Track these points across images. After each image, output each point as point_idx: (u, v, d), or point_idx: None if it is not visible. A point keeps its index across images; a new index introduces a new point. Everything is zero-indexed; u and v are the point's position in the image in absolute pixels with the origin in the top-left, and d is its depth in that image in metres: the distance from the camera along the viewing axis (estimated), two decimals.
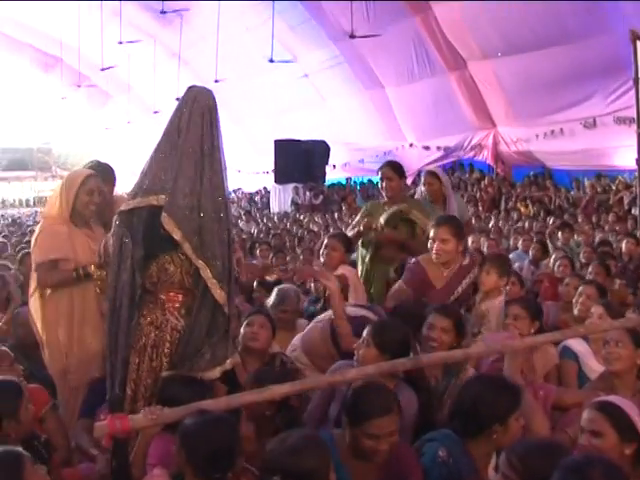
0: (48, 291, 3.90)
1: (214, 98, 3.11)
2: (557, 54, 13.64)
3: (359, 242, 5.08)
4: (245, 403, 2.74)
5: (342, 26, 17.32)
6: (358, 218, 5.20)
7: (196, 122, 2.99)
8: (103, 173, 4.35)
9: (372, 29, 16.75)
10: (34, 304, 3.96)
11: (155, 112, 23.72)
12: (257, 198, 24.13)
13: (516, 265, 7.28)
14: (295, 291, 5.01)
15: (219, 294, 2.97)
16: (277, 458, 2.20)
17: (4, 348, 3.84)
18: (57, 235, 3.86)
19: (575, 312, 4.68)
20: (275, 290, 4.90)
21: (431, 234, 4.16)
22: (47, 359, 3.95)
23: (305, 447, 2.19)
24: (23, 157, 37.33)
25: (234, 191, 26.65)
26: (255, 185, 25.20)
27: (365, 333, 3.21)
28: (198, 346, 2.99)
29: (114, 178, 4.57)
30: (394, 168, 5.17)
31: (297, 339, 4.19)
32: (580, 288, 4.76)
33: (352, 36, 16.50)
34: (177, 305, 3.07)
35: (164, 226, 2.88)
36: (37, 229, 4.02)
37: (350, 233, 5.04)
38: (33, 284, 3.96)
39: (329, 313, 3.99)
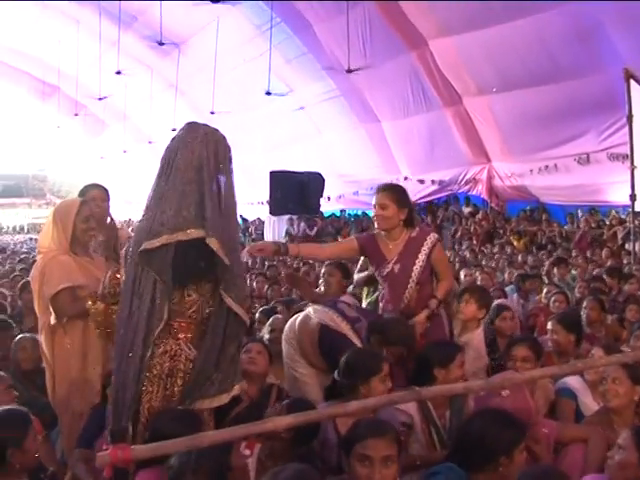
0: (62, 322, 3.88)
1: (225, 137, 3.18)
2: (551, 91, 13.85)
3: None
4: (248, 434, 2.75)
5: (338, 59, 17.58)
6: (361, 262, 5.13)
7: (210, 158, 3.04)
8: (99, 193, 4.53)
9: (368, 63, 17.02)
10: (45, 337, 3.96)
11: (150, 142, 23.89)
12: (251, 229, 24.18)
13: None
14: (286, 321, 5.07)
15: (243, 313, 3.08)
16: None
17: (1, 372, 3.85)
18: (65, 264, 3.88)
19: None
20: (269, 321, 4.96)
21: (372, 201, 4.25)
22: (52, 386, 3.97)
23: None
24: (18, 184, 37.48)
25: None
26: (250, 215, 25.25)
27: None
28: (209, 375, 3.06)
29: (109, 197, 4.66)
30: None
31: (290, 326, 4.24)
32: None
33: (349, 70, 16.75)
34: (189, 335, 3.11)
35: (215, 251, 2.92)
36: (39, 264, 3.99)
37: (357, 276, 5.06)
38: (43, 318, 3.95)
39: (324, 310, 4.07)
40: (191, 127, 3.14)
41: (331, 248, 4.64)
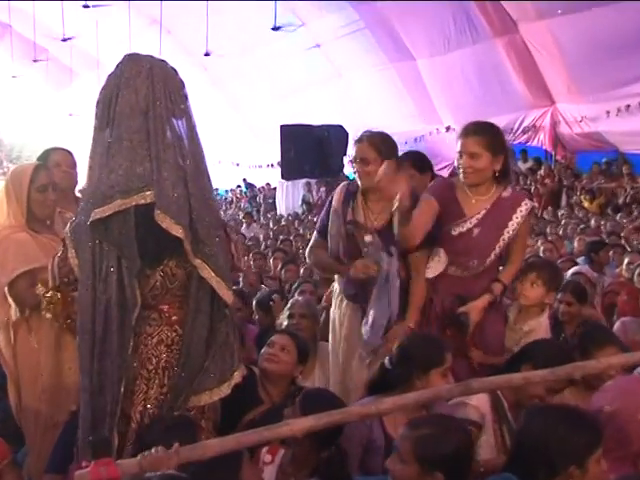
0: (25, 316, 3.90)
1: (176, 70, 3.17)
2: (631, 9, 13.61)
3: None
4: (258, 442, 2.77)
5: None
6: None
7: (160, 98, 3.03)
8: (64, 157, 4.54)
9: None
10: (4, 336, 3.98)
11: None
12: (260, 197, 24.24)
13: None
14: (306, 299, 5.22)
15: (226, 293, 3.06)
16: None
17: None
18: (22, 244, 3.88)
19: None
20: (288, 305, 5.04)
21: (457, 147, 4.01)
22: (16, 396, 4.00)
23: None
24: None
25: (232, 189, 26.82)
26: (257, 181, 25.29)
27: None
28: (200, 362, 3.09)
29: (75, 163, 4.67)
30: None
31: None
32: None
33: None
34: (175, 317, 3.14)
35: (160, 224, 2.93)
36: None
37: None
38: (1, 313, 3.96)
39: None
40: (132, 60, 3.10)
41: (419, 223, 4.04)
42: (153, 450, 2.63)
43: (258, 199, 24.33)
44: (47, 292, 3.49)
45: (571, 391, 3.61)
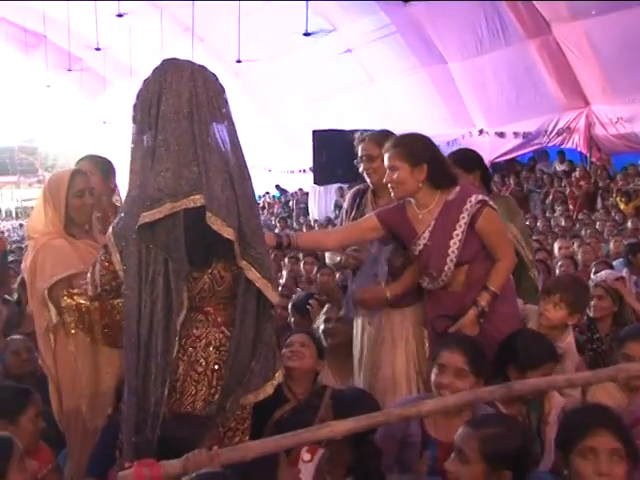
0: (63, 321, 3.94)
1: (216, 76, 3.19)
2: None
3: None
4: (298, 444, 2.78)
5: None
6: None
7: (203, 102, 3.05)
8: (101, 167, 4.60)
9: None
10: (45, 341, 4.02)
11: None
12: (292, 203, 24.28)
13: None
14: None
15: (272, 294, 3.09)
16: None
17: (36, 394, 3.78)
18: (60, 250, 3.93)
19: None
20: (324, 309, 5.06)
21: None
22: (57, 400, 4.05)
23: None
24: (2, 159, 37.88)
25: (263, 195, 26.91)
26: (290, 187, 25.33)
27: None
28: (247, 363, 3.12)
29: (114, 172, 4.74)
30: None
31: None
32: None
33: None
34: (221, 319, 3.17)
35: (211, 227, 2.94)
36: (29, 253, 4.06)
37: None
38: (40, 319, 4.01)
39: None
40: (172, 65, 3.12)
41: (341, 232, 4.29)
42: (197, 451, 2.66)
43: (291, 204, 24.38)
44: (80, 303, 3.53)
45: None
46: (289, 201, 24.95)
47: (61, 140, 37.94)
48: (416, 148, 3.88)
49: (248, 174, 3.16)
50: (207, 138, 3.03)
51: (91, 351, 3.97)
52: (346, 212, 4.52)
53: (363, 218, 4.20)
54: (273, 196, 27.03)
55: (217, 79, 3.19)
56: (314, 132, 20.18)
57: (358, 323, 4.48)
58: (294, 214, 23.06)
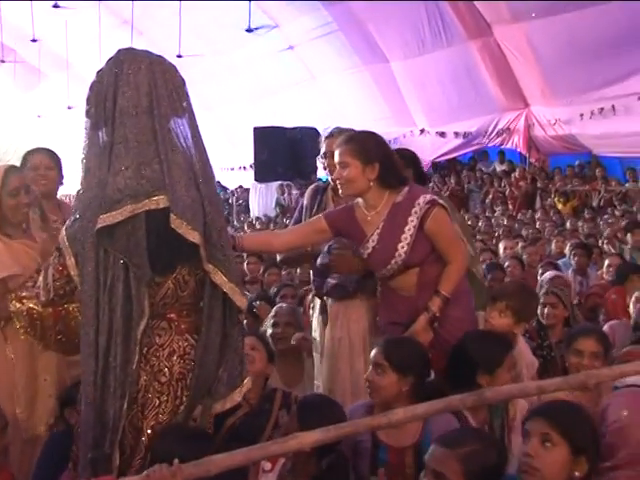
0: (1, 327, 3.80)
1: (176, 67, 3.06)
2: (606, 13, 13.73)
3: None
4: (266, 456, 2.68)
5: None
6: None
7: (163, 95, 2.91)
8: (57, 161, 4.48)
9: None
10: None
11: None
12: (232, 200, 24.14)
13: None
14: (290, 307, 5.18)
15: (239, 299, 2.97)
16: None
17: None
18: None
19: None
20: (272, 312, 5.02)
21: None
22: None
23: None
24: None
25: None
26: (230, 183, 25.18)
27: (373, 357, 3.42)
28: (214, 371, 3.00)
29: (60, 165, 4.58)
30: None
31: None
32: None
33: None
34: (184, 326, 3.03)
35: (176, 230, 2.81)
36: None
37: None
38: None
39: None
40: (129, 55, 2.96)
41: (289, 234, 4.15)
42: (157, 467, 2.53)
43: (230, 202, 24.23)
44: (32, 307, 3.37)
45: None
46: (229, 199, 24.80)
47: None
48: (369, 146, 3.75)
49: (212, 172, 3.04)
50: (169, 134, 2.89)
51: (29, 358, 3.82)
52: (306, 209, 4.41)
53: (311, 220, 4.10)
54: None
55: (177, 70, 3.04)
56: (255, 129, 20.11)
57: (314, 323, 4.41)
58: (234, 211, 22.92)
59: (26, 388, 3.81)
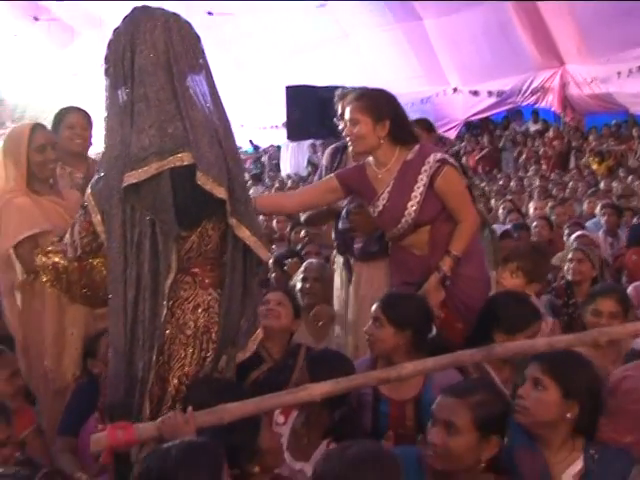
0: (30, 280, 3.87)
1: (191, 24, 3.08)
2: None
3: None
4: (277, 406, 2.75)
5: None
6: None
7: (180, 53, 2.93)
8: (90, 120, 4.52)
9: None
10: (10, 300, 3.98)
11: None
12: (265, 158, 24.15)
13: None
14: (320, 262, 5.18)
15: (263, 252, 3.05)
16: (331, 472, 2.22)
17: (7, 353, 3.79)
18: (24, 208, 3.84)
19: None
20: (302, 268, 5.04)
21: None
22: (26, 362, 3.98)
23: (368, 464, 2.21)
24: None
25: None
26: (262, 142, 25.17)
27: (373, 311, 3.45)
28: (237, 322, 3.09)
29: (91, 124, 4.63)
30: (423, 124, 4.78)
31: None
32: None
33: None
34: (208, 280, 3.09)
35: (203, 187, 2.85)
36: None
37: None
38: (4, 278, 3.97)
39: None
40: (144, 14, 2.96)
41: (301, 195, 4.22)
42: (171, 413, 2.61)
43: (263, 160, 24.23)
44: (58, 262, 3.44)
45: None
46: (261, 157, 24.80)
47: (29, 91, 37.32)
48: (380, 103, 3.77)
49: (231, 129, 3.06)
50: (187, 91, 2.92)
51: (58, 312, 3.90)
52: (326, 169, 4.43)
53: (323, 179, 4.14)
54: (246, 152, 26.87)
55: (192, 27, 3.05)
56: (287, 88, 20.02)
57: (337, 281, 4.45)
58: (266, 170, 22.94)
59: (54, 341, 3.90)
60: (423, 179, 3.73)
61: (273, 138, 24.20)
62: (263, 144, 25.31)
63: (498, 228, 6.87)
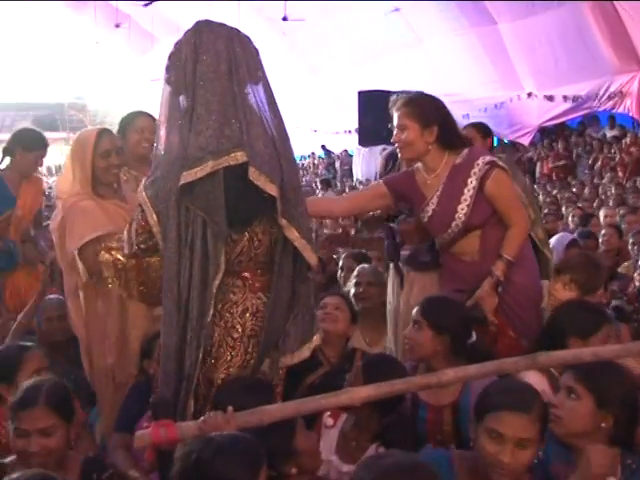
0: (93, 281, 3.97)
1: (248, 37, 3.17)
2: None
3: None
4: (318, 409, 2.77)
5: None
6: None
7: (240, 62, 3.02)
8: (148, 123, 4.57)
9: None
10: (74, 301, 4.09)
11: None
12: (337, 164, 24.23)
13: None
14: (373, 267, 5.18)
15: (310, 256, 3.08)
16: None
17: (36, 349, 3.85)
18: (88, 211, 3.95)
19: None
20: (355, 272, 5.03)
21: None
22: (88, 360, 4.12)
23: (403, 475, 2.21)
24: (52, 115, 38.10)
25: (309, 155, 26.91)
26: (335, 147, 25.26)
27: (414, 314, 3.47)
28: (282, 326, 3.12)
29: None
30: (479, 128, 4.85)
31: None
32: None
33: None
34: (258, 284, 3.15)
35: (254, 182, 2.91)
36: (58, 213, 4.08)
37: None
38: (69, 279, 4.08)
39: None
40: (207, 26, 3.08)
41: (349, 200, 4.20)
42: (213, 413, 2.67)
43: (336, 165, 24.32)
44: (117, 259, 3.54)
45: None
46: (334, 162, 24.89)
47: (110, 97, 38.16)
48: (428, 108, 3.79)
49: (287, 134, 3.14)
50: (246, 97, 3.01)
51: (120, 313, 4.03)
52: (380, 175, 4.46)
53: (372, 184, 4.18)
54: (319, 157, 26.99)
55: (251, 41, 3.16)
56: (360, 93, 20.05)
57: (389, 288, 4.47)
58: (338, 175, 23.01)
59: (117, 340, 4.03)
60: (473, 182, 3.73)
61: (346, 143, 24.26)
62: (336, 149, 25.39)
63: (566, 236, 6.78)
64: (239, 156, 2.91)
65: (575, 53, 17.22)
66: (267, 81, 3.13)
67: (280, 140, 3.04)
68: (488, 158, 3.78)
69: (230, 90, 2.98)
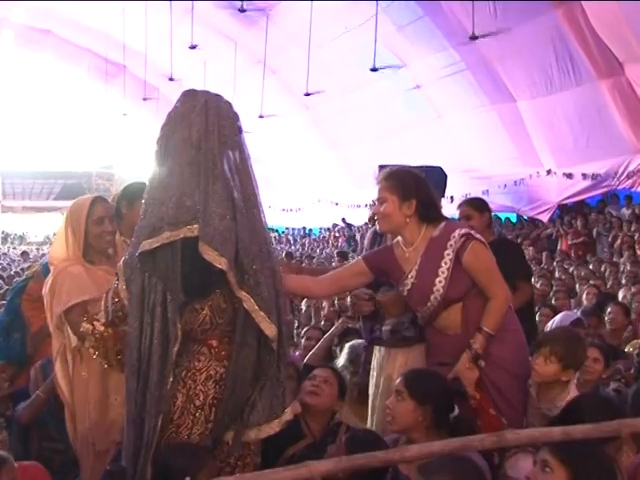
0: (78, 347, 4.00)
1: (230, 104, 3.22)
2: None
3: None
4: None
5: (462, 24, 17.36)
6: None
7: (212, 130, 3.07)
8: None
9: (500, 27, 16.72)
10: (61, 365, 4.10)
11: None
12: (358, 236, 24.30)
13: None
14: None
15: (268, 327, 3.04)
16: None
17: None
18: (76, 277, 3.99)
19: None
20: (346, 347, 4.92)
21: None
22: (72, 426, 4.09)
23: None
24: (79, 183, 38.94)
25: (328, 229, 27.03)
26: (355, 220, 25.35)
27: (396, 385, 3.50)
28: (245, 394, 3.09)
29: None
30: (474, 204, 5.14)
31: None
32: None
33: (473, 37, 16.47)
34: (224, 352, 3.15)
35: (204, 256, 2.93)
36: (49, 278, 4.12)
37: None
38: (56, 342, 4.09)
39: None
40: (188, 96, 3.17)
41: (329, 279, 4.07)
42: None
43: (357, 238, 24.38)
44: (96, 328, 3.56)
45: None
46: (354, 235, 24.98)
47: (137, 167, 38.83)
48: (407, 182, 3.83)
49: (257, 202, 3.15)
50: (212, 166, 3.04)
51: (102, 378, 4.02)
52: (365, 251, 4.48)
53: (351, 263, 4.18)
54: (340, 229, 27.14)
55: (232, 107, 3.22)
56: (380, 167, 20.02)
57: (373, 362, 4.42)
58: (359, 248, 23.02)
59: (97, 405, 4.02)
60: (449, 254, 3.73)
61: (366, 216, 24.35)
62: (357, 222, 25.49)
63: (570, 315, 6.74)
64: (194, 229, 2.95)
65: (594, 131, 17.29)
66: (243, 147, 3.18)
67: (243, 209, 3.05)
68: (464, 230, 3.78)
69: (196, 159, 3.03)
